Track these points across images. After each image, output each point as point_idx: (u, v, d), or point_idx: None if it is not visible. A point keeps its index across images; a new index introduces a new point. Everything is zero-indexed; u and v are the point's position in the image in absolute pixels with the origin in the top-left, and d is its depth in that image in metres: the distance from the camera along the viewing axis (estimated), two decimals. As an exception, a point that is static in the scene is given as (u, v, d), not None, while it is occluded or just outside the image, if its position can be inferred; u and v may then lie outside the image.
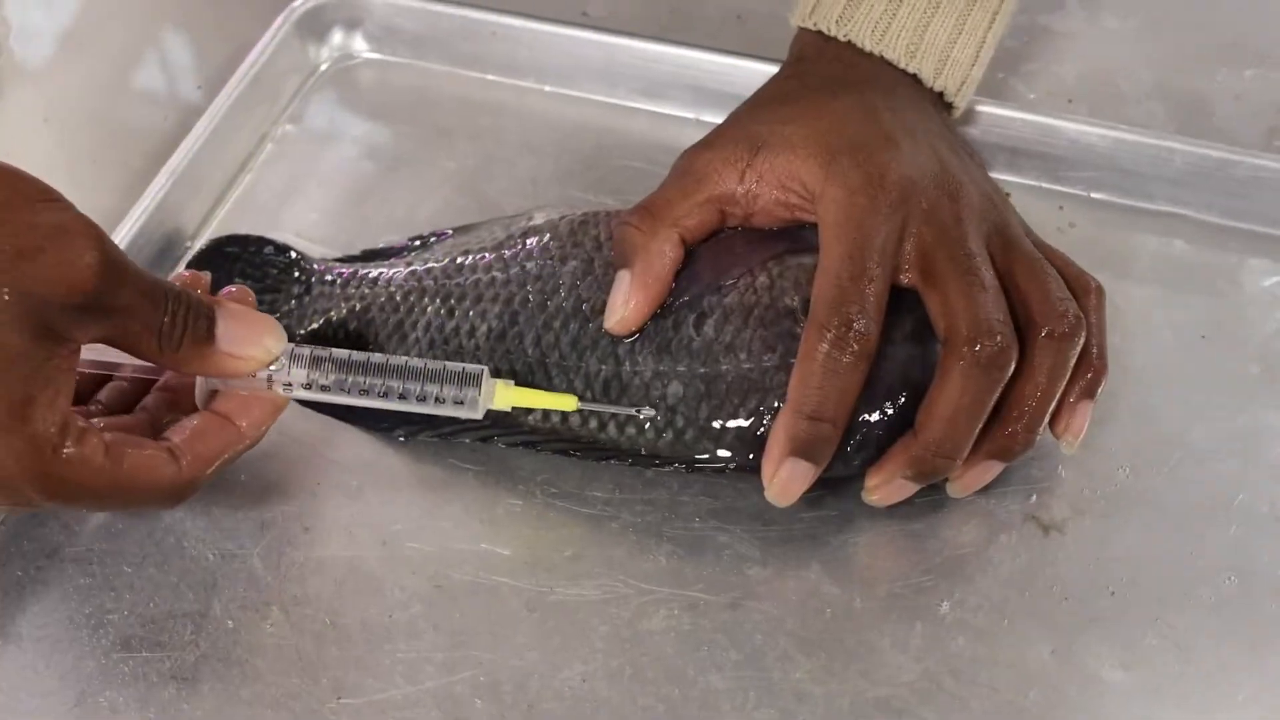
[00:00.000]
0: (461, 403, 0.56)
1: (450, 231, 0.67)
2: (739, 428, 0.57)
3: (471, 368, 0.56)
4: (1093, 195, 0.73)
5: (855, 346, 0.54)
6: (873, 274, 0.55)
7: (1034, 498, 0.60)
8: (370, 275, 0.64)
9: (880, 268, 0.55)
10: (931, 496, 0.59)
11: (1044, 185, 0.73)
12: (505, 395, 0.56)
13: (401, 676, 0.54)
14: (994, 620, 0.56)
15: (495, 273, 0.62)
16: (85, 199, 0.50)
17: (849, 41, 0.64)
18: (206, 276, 0.58)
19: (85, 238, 0.47)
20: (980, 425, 0.55)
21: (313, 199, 0.73)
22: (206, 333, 0.51)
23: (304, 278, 0.65)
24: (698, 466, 0.58)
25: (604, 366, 0.59)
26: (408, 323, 0.62)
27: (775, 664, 0.55)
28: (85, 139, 0.76)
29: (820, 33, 0.65)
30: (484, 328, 0.60)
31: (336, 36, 0.80)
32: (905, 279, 0.57)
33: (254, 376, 0.53)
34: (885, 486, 0.57)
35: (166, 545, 0.58)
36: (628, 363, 0.59)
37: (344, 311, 0.63)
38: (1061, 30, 0.82)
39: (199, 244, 0.70)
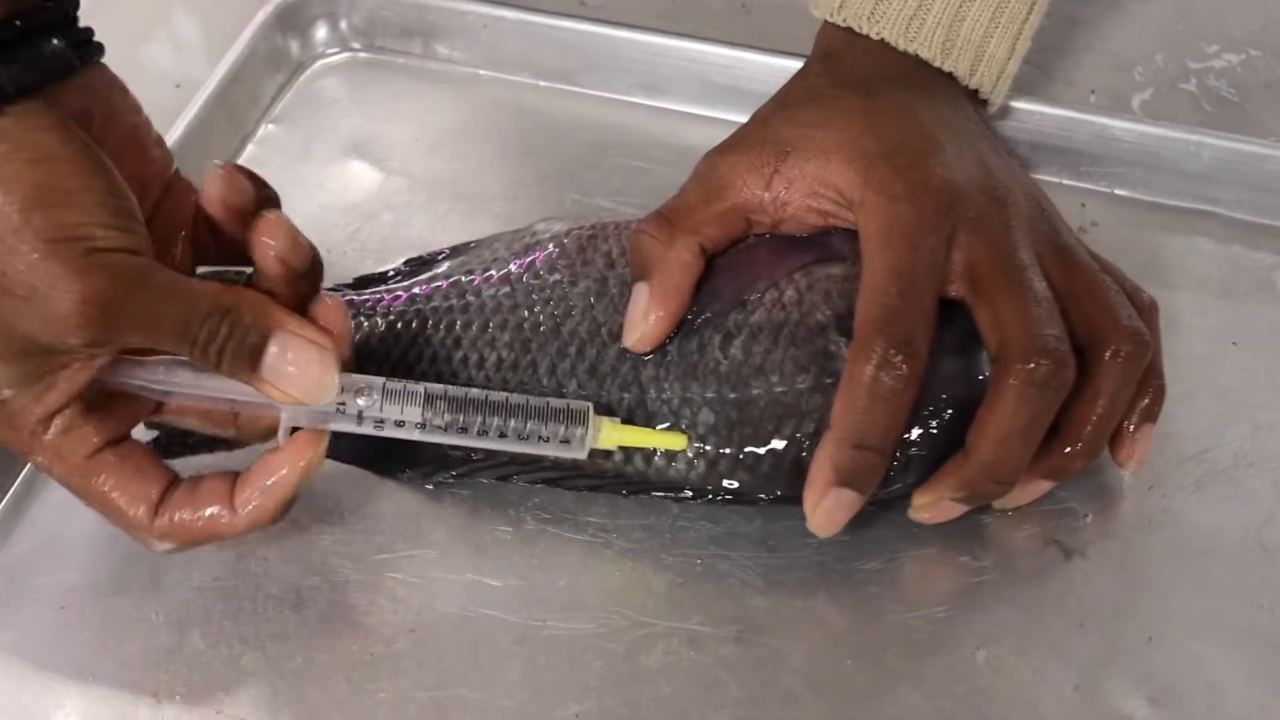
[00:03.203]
0: (568, 441, 0.53)
1: (447, 250, 0.63)
2: (775, 455, 0.54)
3: (576, 404, 0.53)
4: (1116, 192, 0.71)
5: (904, 369, 0.50)
6: (921, 290, 0.52)
7: (1055, 519, 0.57)
8: (366, 303, 0.60)
9: (928, 283, 0.52)
10: (946, 518, 0.56)
11: (1065, 182, 0.71)
12: (611, 434, 0.53)
13: (384, 718, 0.51)
14: (1013, 653, 0.53)
15: (501, 297, 0.58)
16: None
17: (881, 39, 0.61)
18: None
19: (70, 283, 0.44)
20: (1035, 448, 0.52)
21: (296, 203, 0.69)
22: (250, 358, 0.47)
23: None
24: (731, 498, 0.55)
25: (626, 395, 0.56)
26: (411, 354, 0.58)
27: (780, 703, 0.52)
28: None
29: (850, 29, 0.62)
30: (493, 357, 0.57)
31: (320, 31, 0.78)
32: (952, 291, 0.53)
33: (340, 411, 0.50)
34: (934, 507, 0.54)
35: (139, 579, 0.55)
36: (652, 389, 0.55)
37: None
38: (1082, 17, 0.78)
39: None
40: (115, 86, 0.50)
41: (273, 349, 0.47)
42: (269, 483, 0.49)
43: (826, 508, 0.52)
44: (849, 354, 0.51)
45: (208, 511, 0.49)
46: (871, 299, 0.52)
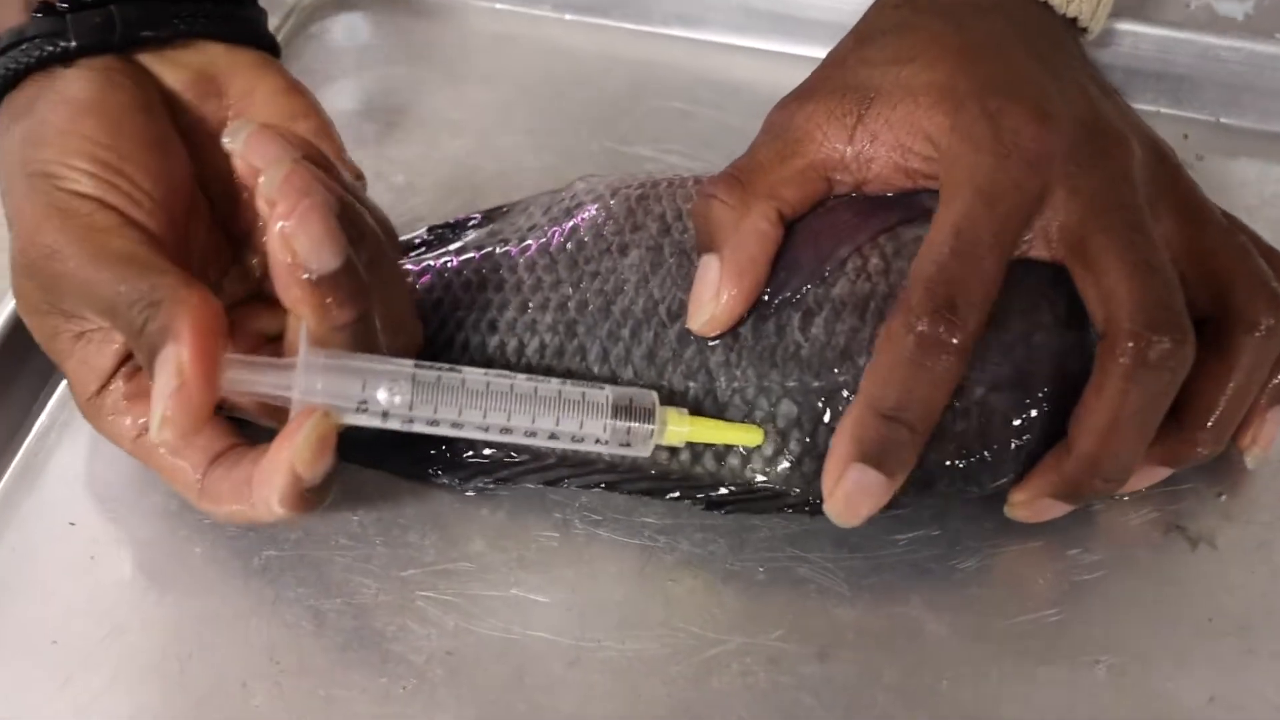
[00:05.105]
0: (629, 444, 0.48)
1: (476, 216, 0.58)
2: None
3: (640, 395, 0.48)
4: (1223, 120, 0.66)
5: (948, 338, 0.45)
6: (982, 251, 0.46)
7: (1177, 502, 0.52)
8: None
9: (995, 245, 0.46)
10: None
11: (1164, 110, 0.68)
12: (679, 428, 0.48)
13: (420, 761, 0.47)
14: (1137, 661, 0.48)
15: (541, 272, 0.53)
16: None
17: None
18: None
19: (26, 221, 0.47)
20: (1149, 439, 0.47)
21: (299, 162, 0.65)
22: (148, 362, 0.45)
23: None
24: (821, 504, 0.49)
25: (691, 383, 0.50)
26: (439, 339, 0.53)
27: (873, 727, 0.47)
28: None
29: None
30: (535, 343, 0.52)
31: (317, -34, 0.75)
32: (1050, 254, 0.48)
33: (362, 409, 0.46)
34: (1031, 505, 0.49)
35: (133, 606, 0.50)
36: (722, 377, 0.50)
37: None
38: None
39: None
40: (204, 77, 0.51)
41: (159, 361, 0.44)
42: (263, 479, 0.45)
43: (846, 488, 0.46)
44: (889, 313, 0.46)
45: (236, 491, 0.47)
46: (925, 254, 0.47)
